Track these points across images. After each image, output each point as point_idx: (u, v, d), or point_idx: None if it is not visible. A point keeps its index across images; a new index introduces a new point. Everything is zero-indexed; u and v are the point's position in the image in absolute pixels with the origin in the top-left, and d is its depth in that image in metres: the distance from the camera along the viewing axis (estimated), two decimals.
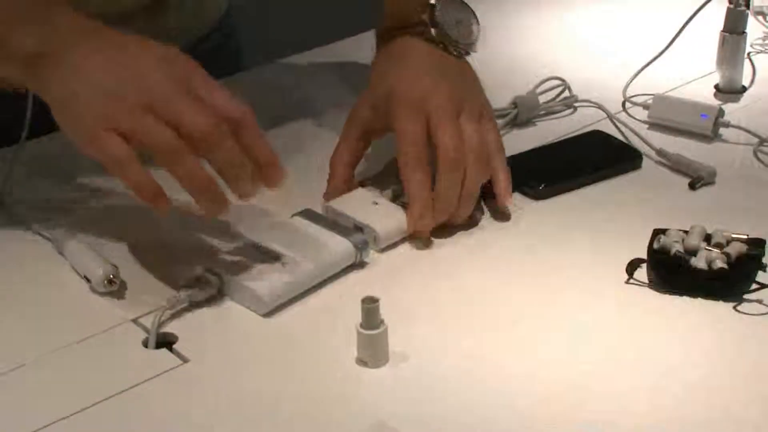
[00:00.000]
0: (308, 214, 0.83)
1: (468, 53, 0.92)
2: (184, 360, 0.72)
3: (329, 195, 0.86)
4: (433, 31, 0.89)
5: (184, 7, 1.06)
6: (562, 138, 0.96)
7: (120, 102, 0.73)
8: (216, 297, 0.77)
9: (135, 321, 0.75)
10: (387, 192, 0.86)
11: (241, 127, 0.74)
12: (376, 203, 0.84)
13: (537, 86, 1.00)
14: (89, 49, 0.75)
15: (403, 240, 0.83)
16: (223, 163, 0.73)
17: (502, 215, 0.86)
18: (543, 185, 0.88)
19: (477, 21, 0.92)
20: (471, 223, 0.85)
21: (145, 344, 0.73)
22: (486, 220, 0.86)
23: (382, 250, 0.82)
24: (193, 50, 0.80)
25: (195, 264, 0.78)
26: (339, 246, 0.79)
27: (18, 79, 0.77)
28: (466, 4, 0.93)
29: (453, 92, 0.84)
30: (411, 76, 0.86)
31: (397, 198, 0.85)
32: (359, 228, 0.81)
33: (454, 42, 0.90)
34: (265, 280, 0.76)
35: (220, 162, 0.73)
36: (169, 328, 0.74)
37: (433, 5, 0.90)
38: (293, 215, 0.83)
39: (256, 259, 0.78)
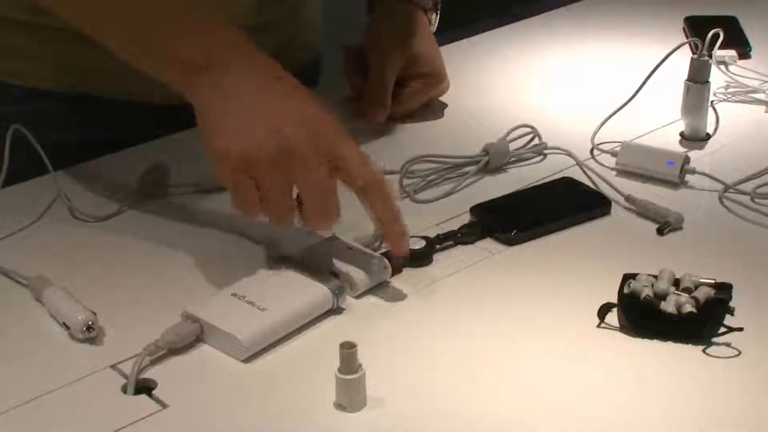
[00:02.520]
0: (286, 260, 0.84)
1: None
2: (164, 405, 0.72)
3: (377, 113, 1.06)
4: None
5: (280, 35, 1.10)
6: (533, 184, 0.98)
7: (258, 151, 0.79)
8: (195, 343, 0.77)
9: (114, 367, 0.76)
10: (361, 237, 0.87)
11: (374, 190, 0.81)
12: (350, 249, 0.85)
13: (507, 134, 1.02)
14: (244, 71, 0.82)
15: (378, 285, 0.84)
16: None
17: (474, 261, 0.88)
18: (515, 231, 0.90)
19: None
20: (445, 269, 0.86)
21: (124, 390, 0.74)
22: (459, 265, 0.87)
23: (358, 297, 0.83)
24: None
25: (174, 310, 0.78)
26: (316, 292, 0.80)
27: (176, 87, 0.83)
28: None
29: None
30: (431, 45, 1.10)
31: (371, 244, 0.87)
32: (335, 274, 0.82)
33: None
34: (244, 326, 0.77)
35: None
36: (148, 374, 0.75)
37: None
38: (270, 258, 0.84)
39: (235, 305, 0.79)
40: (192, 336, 0.77)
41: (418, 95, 1.10)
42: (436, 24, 1.15)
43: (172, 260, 0.87)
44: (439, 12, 1.15)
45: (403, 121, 1.09)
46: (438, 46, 1.12)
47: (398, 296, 0.84)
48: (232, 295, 0.80)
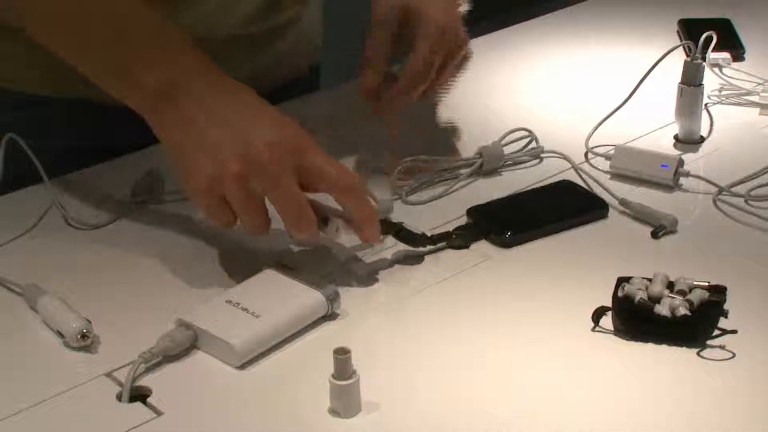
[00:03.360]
0: (280, 267, 0.84)
1: None
2: (158, 413, 0.72)
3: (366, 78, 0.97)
4: None
5: (280, 42, 1.10)
6: (531, 187, 0.98)
7: (224, 172, 0.79)
8: (190, 350, 0.78)
9: (108, 375, 0.76)
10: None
11: (351, 192, 0.82)
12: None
13: (503, 137, 1.02)
14: (207, 95, 0.82)
15: (373, 291, 0.84)
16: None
17: (469, 263, 0.88)
18: (509, 233, 0.90)
19: None
20: (439, 272, 0.87)
21: (119, 398, 0.74)
22: (454, 268, 0.87)
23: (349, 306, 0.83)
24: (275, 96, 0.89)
25: (168, 317, 0.78)
26: (311, 298, 0.81)
27: (140, 111, 0.83)
28: None
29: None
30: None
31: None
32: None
33: None
34: (239, 333, 0.77)
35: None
36: (142, 382, 0.75)
37: None
38: (264, 265, 0.84)
39: (230, 312, 0.79)
40: (186, 343, 0.77)
41: (417, 54, 0.97)
42: None
43: (166, 267, 0.87)
44: None
45: (402, 118, 1.05)
46: (456, 7, 1.01)
47: (392, 300, 0.84)
48: (226, 301, 0.80)
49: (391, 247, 0.88)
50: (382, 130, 1.03)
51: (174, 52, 0.84)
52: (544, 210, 0.94)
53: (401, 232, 0.87)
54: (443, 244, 0.89)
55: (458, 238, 0.89)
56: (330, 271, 0.85)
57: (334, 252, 0.87)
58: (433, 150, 1.02)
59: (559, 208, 0.94)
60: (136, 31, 0.84)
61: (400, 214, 0.89)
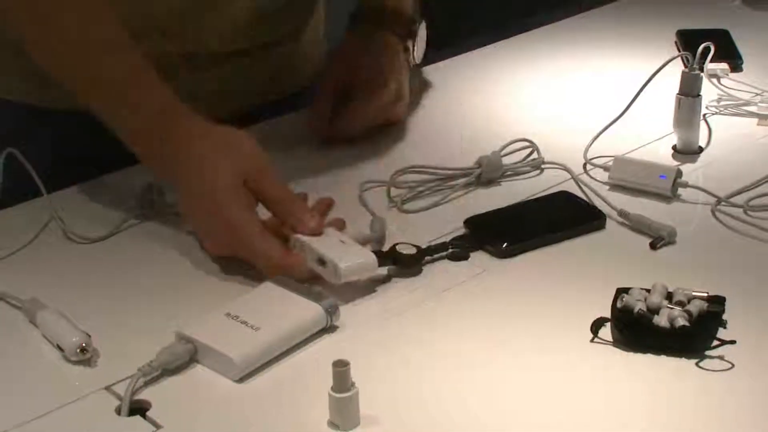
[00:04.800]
0: (279, 280, 0.84)
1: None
2: (158, 427, 0.73)
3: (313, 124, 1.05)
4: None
5: (278, 56, 1.13)
6: (530, 198, 0.98)
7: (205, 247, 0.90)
8: (189, 363, 0.78)
9: (108, 389, 0.76)
10: (357, 234, 0.88)
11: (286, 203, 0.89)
12: (343, 242, 0.86)
13: (503, 147, 1.02)
14: (182, 137, 0.90)
15: (372, 303, 0.84)
16: None
17: (467, 275, 0.88)
18: (506, 244, 0.90)
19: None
20: (437, 283, 0.87)
21: (119, 411, 0.74)
22: (451, 279, 0.87)
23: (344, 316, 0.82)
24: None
25: (168, 331, 0.79)
26: (310, 310, 0.81)
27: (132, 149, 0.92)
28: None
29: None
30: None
31: (368, 242, 0.88)
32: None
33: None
34: (238, 346, 0.77)
35: None
36: (142, 395, 0.75)
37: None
38: (264, 278, 0.84)
39: (229, 325, 0.79)
40: (186, 356, 0.78)
41: (360, 108, 1.06)
42: (420, 52, 1.13)
43: (166, 280, 0.87)
44: (416, 43, 1.12)
45: (393, 131, 1.09)
46: (401, 66, 1.08)
47: (391, 313, 0.84)
48: (225, 315, 0.80)
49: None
50: (372, 140, 1.06)
51: (143, 93, 0.91)
52: (542, 220, 0.94)
53: (397, 261, 0.87)
54: (441, 254, 0.89)
55: (457, 249, 0.89)
56: (329, 283, 0.85)
57: (332, 238, 0.86)
58: (430, 159, 1.02)
59: (557, 218, 0.94)
60: (108, 72, 0.91)
61: (395, 223, 0.89)
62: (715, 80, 1.18)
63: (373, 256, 0.85)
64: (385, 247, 0.89)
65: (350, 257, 0.84)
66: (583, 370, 0.77)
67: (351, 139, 1.06)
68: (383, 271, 0.86)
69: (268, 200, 0.88)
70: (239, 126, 0.92)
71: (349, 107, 1.06)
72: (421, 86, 1.17)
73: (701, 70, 1.05)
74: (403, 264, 0.87)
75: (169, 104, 0.90)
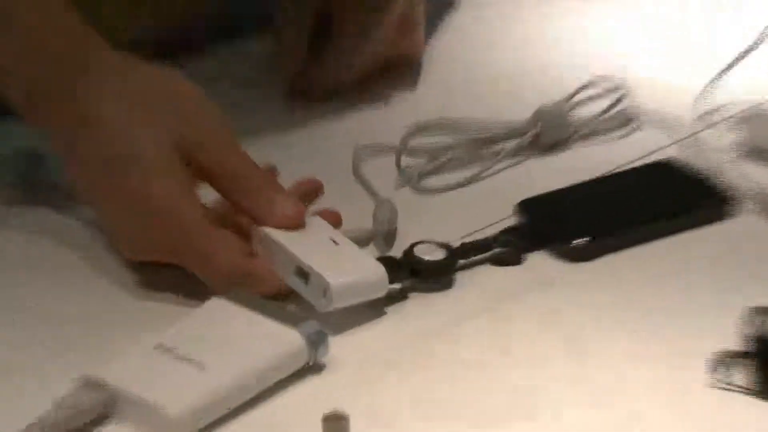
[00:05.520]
0: (234, 296, 0.73)
1: None
2: None
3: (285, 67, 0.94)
4: None
5: None
6: (613, 171, 0.88)
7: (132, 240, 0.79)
8: (101, 420, 0.67)
9: None
10: (354, 230, 0.79)
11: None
12: (335, 242, 0.76)
13: (572, 95, 0.91)
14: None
15: (377, 330, 0.74)
16: None
17: (520, 286, 0.77)
18: (585, 240, 0.80)
19: None
20: (473, 300, 0.76)
21: None
22: (496, 294, 0.77)
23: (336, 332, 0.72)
24: None
25: (73, 371, 0.68)
26: (283, 340, 0.70)
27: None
28: None
29: None
30: None
31: (370, 240, 0.80)
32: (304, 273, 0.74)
33: None
34: (175, 393, 0.66)
35: None
36: None
37: None
38: (212, 296, 0.75)
39: (160, 363, 0.69)
40: (96, 409, 0.66)
41: (352, 43, 0.92)
42: None
43: (62, 299, 0.77)
44: None
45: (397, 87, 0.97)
46: None
47: (403, 344, 0.74)
48: (155, 347, 0.69)
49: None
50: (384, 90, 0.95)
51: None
52: (635, 205, 0.85)
53: (417, 270, 0.77)
54: (481, 257, 0.79)
55: (504, 249, 0.79)
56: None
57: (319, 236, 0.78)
58: (459, 111, 0.91)
59: (658, 202, 0.85)
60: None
61: (411, 210, 0.81)
62: None
63: (381, 267, 0.75)
64: (398, 249, 0.79)
65: (346, 268, 0.74)
66: (699, 428, 0.65)
67: (338, 92, 0.95)
68: (396, 285, 0.76)
69: (219, 176, 0.77)
70: (171, 64, 0.83)
71: (335, 43, 0.93)
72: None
73: None
74: (426, 274, 0.77)
75: (74, 29, 0.79)
